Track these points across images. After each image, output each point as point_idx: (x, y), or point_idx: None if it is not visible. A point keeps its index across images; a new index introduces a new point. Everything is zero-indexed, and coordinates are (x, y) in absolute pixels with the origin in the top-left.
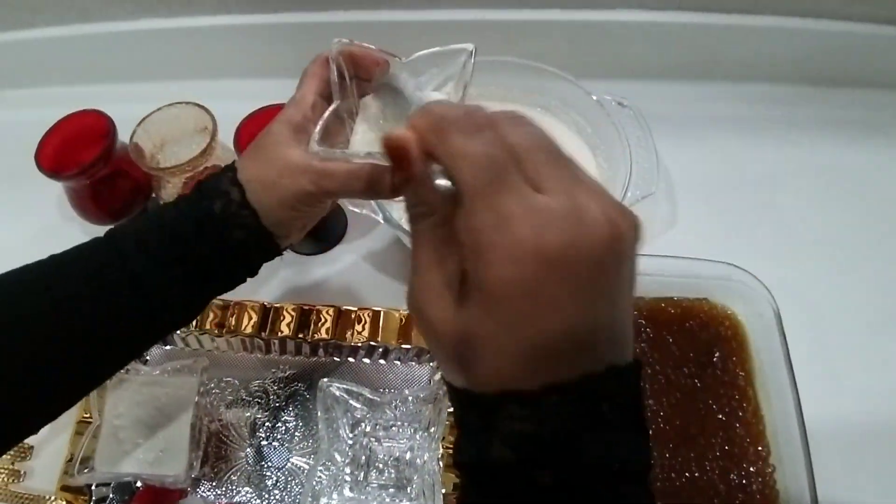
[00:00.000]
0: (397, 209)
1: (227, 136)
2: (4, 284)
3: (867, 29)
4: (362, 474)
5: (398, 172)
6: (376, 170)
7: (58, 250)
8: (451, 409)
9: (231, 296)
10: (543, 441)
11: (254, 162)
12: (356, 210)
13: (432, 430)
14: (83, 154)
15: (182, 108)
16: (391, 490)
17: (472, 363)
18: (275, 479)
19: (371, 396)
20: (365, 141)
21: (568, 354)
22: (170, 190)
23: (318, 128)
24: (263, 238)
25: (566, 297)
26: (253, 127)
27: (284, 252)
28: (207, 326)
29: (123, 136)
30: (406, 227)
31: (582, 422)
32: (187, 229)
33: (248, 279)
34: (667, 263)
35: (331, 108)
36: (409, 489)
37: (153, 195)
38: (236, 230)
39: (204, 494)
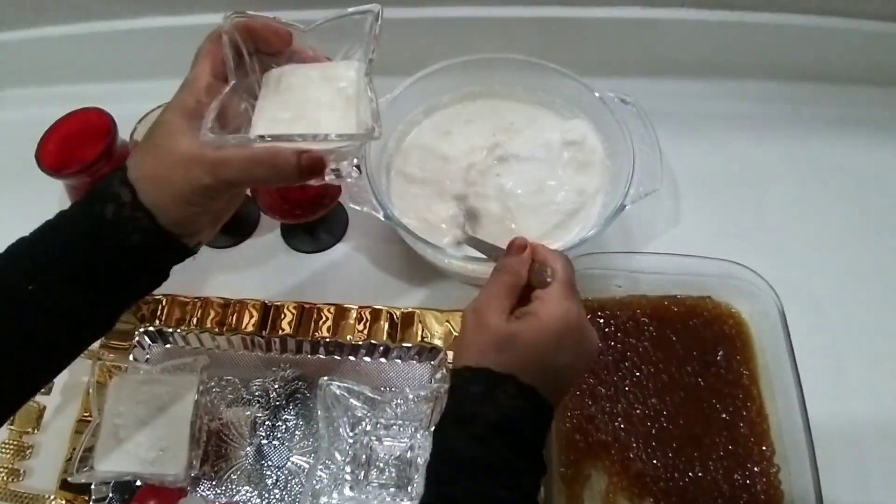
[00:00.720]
0: (398, 207)
1: None
2: None
3: (872, 26)
4: (363, 473)
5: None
6: (279, 154)
7: None
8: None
9: (231, 294)
10: (515, 412)
11: (144, 157)
12: (357, 208)
13: (433, 429)
14: (84, 152)
15: None
16: (392, 489)
17: (505, 352)
18: (275, 477)
19: (371, 395)
20: (272, 119)
21: (550, 377)
22: None
23: (210, 114)
24: (165, 240)
25: (571, 346)
26: None
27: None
28: (208, 325)
29: (124, 133)
30: (413, 227)
31: (533, 412)
32: (80, 241)
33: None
34: (670, 261)
35: (225, 90)
36: (409, 488)
37: None
38: (133, 235)
39: (204, 493)
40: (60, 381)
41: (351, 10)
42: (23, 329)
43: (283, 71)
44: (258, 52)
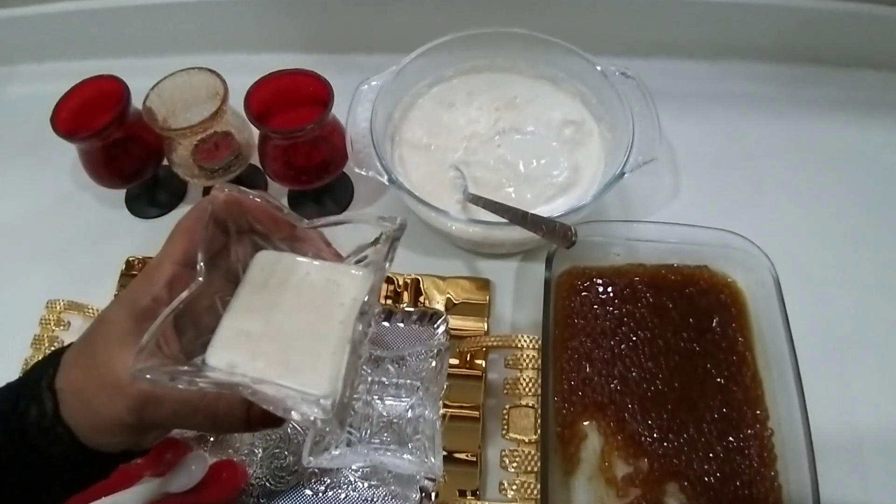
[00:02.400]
0: (402, 174)
1: (238, 106)
2: None
3: (872, 10)
4: (364, 433)
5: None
6: (222, 402)
7: (71, 217)
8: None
9: None
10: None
11: (76, 362)
12: (362, 172)
13: (432, 388)
14: (98, 119)
15: (194, 74)
16: (392, 446)
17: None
18: (277, 436)
19: (373, 350)
20: (236, 335)
21: None
22: (181, 152)
23: (148, 335)
24: (90, 456)
25: None
26: (263, 92)
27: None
28: None
29: (137, 105)
30: (416, 192)
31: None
32: (3, 438)
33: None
34: (667, 230)
35: (181, 296)
36: (409, 445)
37: (164, 162)
38: (53, 444)
39: (206, 450)
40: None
41: (370, 215)
42: None
43: (275, 259)
44: (252, 230)
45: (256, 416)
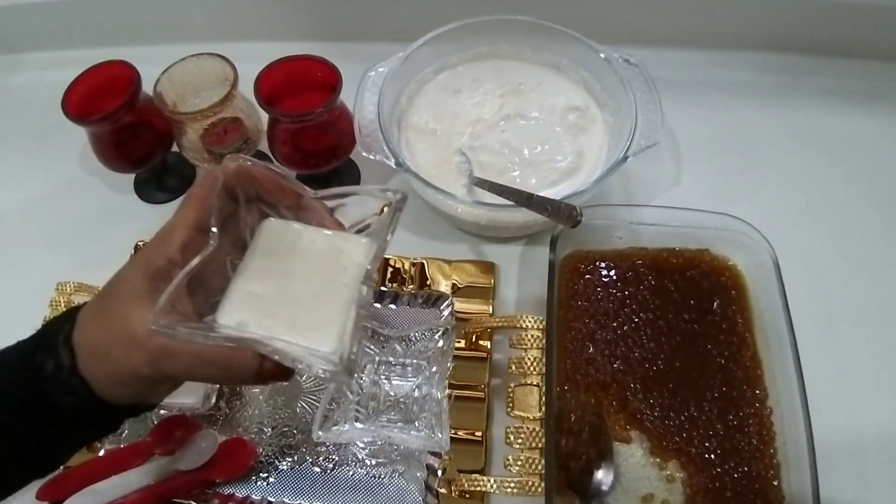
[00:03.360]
0: (408, 158)
1: (247, 93)
2: None
3: (870, 0)
4: (371, 411)
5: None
6: (235, 356)
7: (80, 202)
8: (456, 347)
9: None
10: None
11: (92, 318)
12: (370, 157)
13: (438, 368)
14: (108, 103)
15: (205, 60)
16: (399, 424)
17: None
18: (286, 415)
19: (380, 329)
20: (245, 297)
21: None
22: (190, 137)
23: (166, 294)
24: (103, 408)
25: None
26: (273, 76)
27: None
28: None
29: (146, 91)
30: (423, 175)
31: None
32: (21, 391)
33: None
34: (669, 214)
35: (197, 258)
36: (416, 423)
37: (174, 148)
38: (68, 397)
39: (215, 428)
40: None
41: (373, 187)
42: None
43: (282, 227)
44: (259, 199)
45: (268, 369)
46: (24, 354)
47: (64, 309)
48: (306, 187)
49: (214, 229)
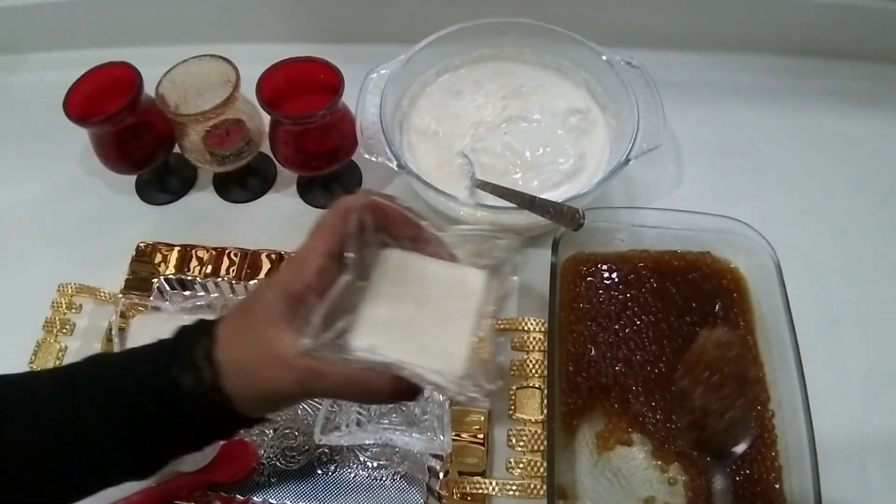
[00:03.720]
0: (410, 160)
1: (249, 95)
2: None
3: (871, 3)
4: (373, 413)
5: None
6: (375, 378)
7: (82, 203)
8: None
9: (249, 246)
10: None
11: (236, 337)
12: (372, 159)
13: None
14: (110, 104)
15: (206, 62)
16: (401, 427)
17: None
18: (287, 417)
19: None
20: (376, 323)
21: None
22: (192, 138)
23: (317, 318)
24: (235, 419)
25: None
26: (275, 78)
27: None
28: (223, 273)
29: (148, 93)
30: (425, 177)
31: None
32: (149, 401)
33: None
34: (671, 216)
35: (337, 286)
36: (418, 426)
37: (175, 149)
38: (204, 410)
39: None
40: (80, 325)
41: (488, 229)
42: (69, 468)
43: (404, 257)
44: (383, 230)
45: (402, 390)
46: (155, 364)
47: (65, 310)
48: (428, 222)
49: (353, 256)
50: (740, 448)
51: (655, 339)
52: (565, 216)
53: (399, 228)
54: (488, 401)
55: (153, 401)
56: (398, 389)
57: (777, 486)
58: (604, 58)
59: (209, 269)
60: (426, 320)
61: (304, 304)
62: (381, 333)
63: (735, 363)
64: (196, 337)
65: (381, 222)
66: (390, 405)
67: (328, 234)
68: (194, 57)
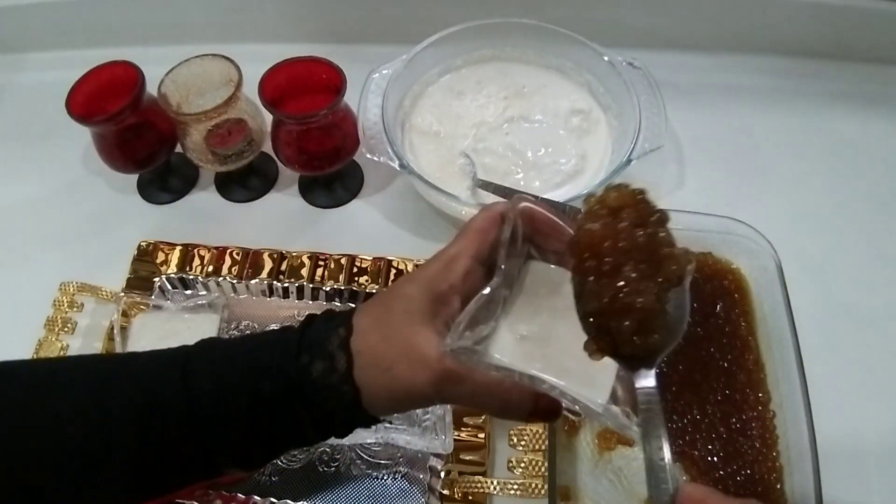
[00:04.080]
0: (412, 160)
1: (251, 94)
2: (57, 375)
3: (872, 5)
4: None
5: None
6: (516, 392)
7: (83, 202)
8: None
9: (250, 244)
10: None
11: (374, 329)
12: (374, 158)
13: None
14: (112, 103)
15: (209, 61)
16: (402, 426)
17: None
18: None
19: None
20: (516, 337)
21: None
22: (194, 138)
23: (465, 319)
24: (358, 415)
25: None
26: (277, 78)
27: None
28: (224, 272)
29: (150, 92)
30: (427, 177)
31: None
32: (271, 386)
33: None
34: (673, 217)
35: (486, 291)
36: (419, 425)
37: (177, 149)
38: (329, 402)
39: None
40: (82, 324)
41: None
42: (174, 454)
43: (550, 271)
44: (531, 240)
45: (542, 409)
46: (286, 350)
47: (66, 309)
48: None
49: (503, 265)
50: (666, 348)
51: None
52: (567, 216)
53: (547, 240)
54: (637, 430)
55: (278, 389)
56: (539, 406)
57: (778, 487)
58: (606, 58)
59: (210, 268)
60: (570, 339)
61: (447, 306)
62: (522, 347)
63: (631, 234)
64: (331, 325)
65: (530, 231)
66: None
67: (479, 238)
68: (196, 56)
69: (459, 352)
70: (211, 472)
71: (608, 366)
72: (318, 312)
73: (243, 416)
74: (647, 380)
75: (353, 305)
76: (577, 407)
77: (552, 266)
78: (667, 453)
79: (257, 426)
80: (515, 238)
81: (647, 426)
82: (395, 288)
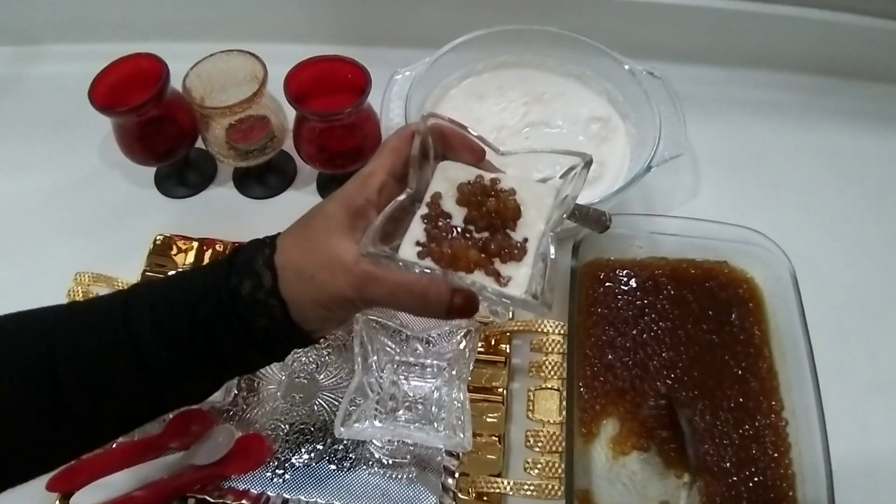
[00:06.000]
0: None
1: (273, 93)
2: (11, 329)
3: (886, 25)
4: (390, 410)
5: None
6: (433, 287)
7: (100, 194)
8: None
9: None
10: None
11: (295, 244)
12: None
13: (459, 370)
14: (134, 96)
15: (234, 57)
16: (418, 424)
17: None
18: (302, 413)
19: (401, 329)
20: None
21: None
22: (216, 132)
23: (377, 224)
24: (290, 330)
25: None
26: (303, 75)
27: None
28: None
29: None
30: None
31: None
32: (207, 309)
33: None
34: (689, 225)
35: (398, 199)
36: (435, 423)
37: (197, 144)
38: (260, 318)
39: (232, 423)
40: None
41: (560, 150)
42: (127, 387)
43: (462, 170)
44: (444, 157)
45: (458, 304)
46: (217, 275)
47: (81, 298)
48: (494, 145)
49: (414, 178)
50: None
51: (672, 345)
52: (591, 219)
53: (460, 154)
54: (547, 309)
55: (214, 310)
56: (457, 301)
57: (791, 494)
58: (626, 67)
59: None
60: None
61: (363, 219)
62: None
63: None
64: (257, 247)
65: (441, 147)
66: (408, 409)
67: (392, 155)
68: (221, 52)
69: (375, 254)
70: (160, 407)
71: (528, 256)
72: None
73: (184, 342)
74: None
75: None
76: (491, 296)
77: (468, 166)
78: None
79: (198, 351)
80: (427, 153)
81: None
82: (316, 207)
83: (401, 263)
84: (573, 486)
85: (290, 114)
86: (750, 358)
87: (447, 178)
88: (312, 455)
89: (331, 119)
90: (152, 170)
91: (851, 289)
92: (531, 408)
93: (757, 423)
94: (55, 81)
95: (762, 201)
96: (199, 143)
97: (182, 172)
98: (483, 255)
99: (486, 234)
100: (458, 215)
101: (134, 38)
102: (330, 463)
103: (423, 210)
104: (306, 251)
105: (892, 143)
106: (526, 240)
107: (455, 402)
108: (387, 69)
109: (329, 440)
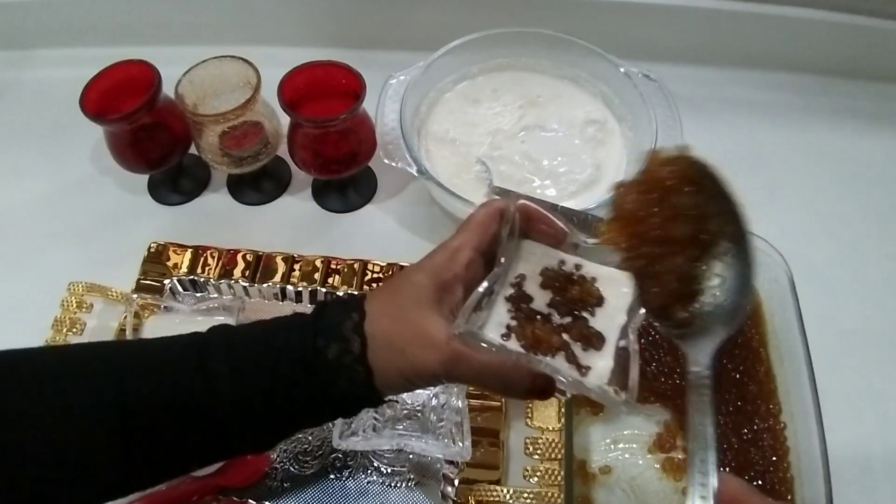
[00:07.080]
0: (428, 167)
1: (267, 97)
2: (78, 363)
3: (881, 24)
4: (387, 419)
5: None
6: (515, 371)
7: (93, 201)
8: None
9: (262, 247)
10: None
11: (385, 313)
12: (392, 164)
13: None
14: (126, 102)
15: (226, 63)
16: (416, 433)
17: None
18: None
19: None
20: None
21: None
22: (209, 139)
23: (470, 304)
24: (370, 394)
25: None
26: (296, 81)
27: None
28: (236, 275)
29: (166, 93)
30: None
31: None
32: (289, 367)
33: None
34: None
35: (487, 282)
36: (433, 432)
37: (190, 150)
38: (343, 381)
39: None
40: (90, 325)
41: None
42: (195, 431)
43: (545, 251)
44: (525, 235)
45: (539, 386)
46: (303, 334)
47: (74, 309)
48: (574, 229)
49: (502, 259)
50: (717, 324)
51: (670, 350)
52: (588, 225)
53: (542, 235)
54: (630, 407)
55: (297, 369)
56: (535, 385)
57: (789, 498)
58: (622, 70)
59: (222, 270)
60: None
61: (451, 293)
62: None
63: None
64: (345, 311)
65: (525, 226)
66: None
67: (480, 230)
68: (214, 57)
69: (466, 335)
70: (224, 453)
71: (606, 350)
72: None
73: (262, 397)
74: (697, 365)
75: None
76: (572, 384)
77: (549, 248)
78: (711, 442)
79: (274, 406)
80: (513, 232)
81: (694, 413)
82: (404, 276)
83: (493, 347)
84: (573, 494)
85: (284, 119)
86: (748, 361)
87: (530, 260)
88: (311, 465)
89: (325, 125)
90: (145, 176)
91: (849, 291)
92: (530, 415)
93: (755, 427)
94: (46, 86)
95: (759, 203)
96: (193, 150)
97: (175, 179)
98: (566, 342)
99: (567, 320)
100: (540, 298)
101: (126, 42)
102: (328, 472)
103: (508, 291)
104: (396, 321)
105: (889, 143)
106: (605, 330)
107: (454, 410)
108: (381, 72)
109: (327, 449)
